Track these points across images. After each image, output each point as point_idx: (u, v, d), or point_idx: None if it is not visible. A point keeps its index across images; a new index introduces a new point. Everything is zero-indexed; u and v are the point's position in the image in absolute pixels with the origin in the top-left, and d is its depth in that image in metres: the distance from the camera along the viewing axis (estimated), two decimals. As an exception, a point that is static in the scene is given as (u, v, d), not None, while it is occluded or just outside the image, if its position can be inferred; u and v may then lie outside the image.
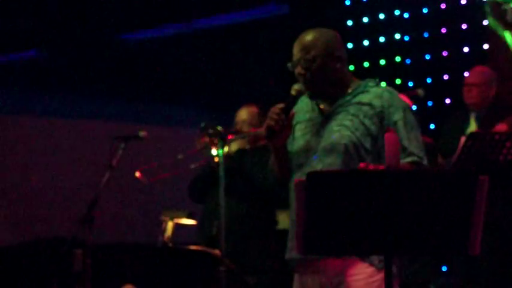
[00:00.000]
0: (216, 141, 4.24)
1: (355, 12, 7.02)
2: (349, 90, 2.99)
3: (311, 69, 2.94)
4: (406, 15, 6.74)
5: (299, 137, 3.02)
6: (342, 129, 2.91)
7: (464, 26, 6.51)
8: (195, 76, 7.91)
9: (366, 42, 6.93)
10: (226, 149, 4.28)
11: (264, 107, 5.46)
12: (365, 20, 6.96)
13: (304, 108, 3.06)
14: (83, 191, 6.34)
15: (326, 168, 2.87)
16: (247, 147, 4.64)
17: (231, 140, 4.38)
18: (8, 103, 7.24)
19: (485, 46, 6.34)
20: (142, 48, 7.83)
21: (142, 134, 4.49)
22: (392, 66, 6.70)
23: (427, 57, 6.62)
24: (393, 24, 6.77)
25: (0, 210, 6.97)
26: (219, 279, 3.74)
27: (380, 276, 2.77)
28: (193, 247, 4.31)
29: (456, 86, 5.46)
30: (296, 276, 3.01)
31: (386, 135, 2.76)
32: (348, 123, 2.91)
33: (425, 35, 6.64)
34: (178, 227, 4.48)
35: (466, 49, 6.50)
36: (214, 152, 4.32)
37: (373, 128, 2.90)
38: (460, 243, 2.42)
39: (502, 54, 6.17)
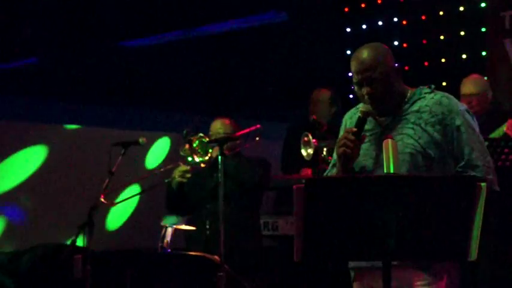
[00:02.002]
0: (198, 148, 4.37)
1: (353, 19, 7.05)
2: (406, 99, 3.00)
3: (375, 87, 2.95)
4: (404, 22, 6.77)
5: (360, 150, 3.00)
6: (405, 137, 2.91)
7: (462, 33, 6.54)
8: (195, 82, 7.93)
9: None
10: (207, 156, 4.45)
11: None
12: (363, 27, 6.99)
13: (355, 119, 3.05)
14: (82, 197, 6.34)
15: None
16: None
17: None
18: (8, 109, 7.25)
19: (483, 53, 6.37)
20: (143, 55, 7.85)
21: (142, 140, 4.51)
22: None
23: (426, 63, 6.65)
24: (392, 31, 6.80)
25: (1, 216, 6.97)
26: (218, 284, 3.75)
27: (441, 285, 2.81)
28: (192, 252, 4.32)
29: (455, 93, 5.47)
30: (357, 285, 3.00)
31: (385, 141, 2.78)
32: (409, 131, 2.92)
33: (424, 42, 6.67)
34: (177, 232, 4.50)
35: (464, 56, 6.53)
36: (197, 159, 4.43)
37: (436, 135, 2.89)
38: (459, 249, 2.43)
39: (499, 61, 6.21)
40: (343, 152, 2.88)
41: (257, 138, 4.68)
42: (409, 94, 3.01)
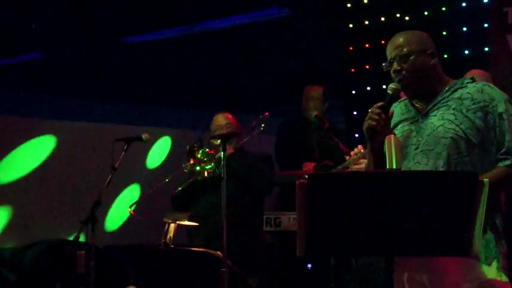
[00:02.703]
0: (203, 157, 4.39)
1: (356, 15, 7.04)
2: (446, 88, 3.02)
3: (407, 65, 2.98)
4: (406, 18, 6.75)
5: (398, 135, 3.02)
6: (446, 123, 2.93)
7: (465, 29, 6.53)
8: (198, 78, 7.94)
9: (366, 45, 6.95)
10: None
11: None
12: (366, 22, 6.98)
13: (399, 111, 3.10)
14: (85, 192, 6.36)
15: (433, 161, 2.89)
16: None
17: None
18: (11, 104, 7.26)
19: (486, 49, 6.36)
20: (145, 51, 7.85)
21: (145, 136, 4.51)
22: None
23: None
24: (394, 27, 6.77)
25: (4, 212, 6.99)
26: (220, 280, 3.75)
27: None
28: (195, 248, 4.33)
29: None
30: (407, 276, 2.96)
31: (387, 137, 2.78)
32: (451, 117, 2.93)
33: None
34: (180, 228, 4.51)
35: (466, 52, 6.52)
36: (205, 167, 4.45)
37: (477, 121, 2.90)
38: (461, 245, 2.43)
39: (502, 56, 6.19)
40: (369, 126, 2.88)
41: (262, 125, 4.68)
42: (450, 83, 3.03)
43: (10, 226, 6.95)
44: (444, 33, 6.59)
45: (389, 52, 3.05)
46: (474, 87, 2.98)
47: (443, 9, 6.62)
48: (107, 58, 7.59)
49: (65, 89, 7.51)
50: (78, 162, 7.29)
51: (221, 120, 4.82)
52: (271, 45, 7.65)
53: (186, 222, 4.45)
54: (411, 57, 2.99)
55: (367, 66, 6.92)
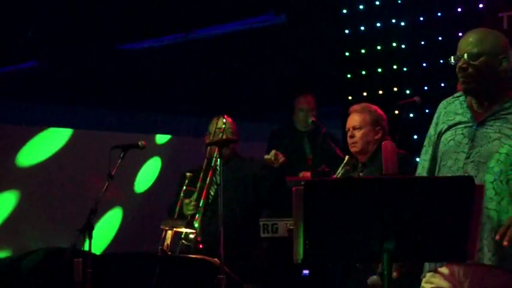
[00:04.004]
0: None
1: (352, 21, 7.05)
2: (507, 99, 2.90)
3: (474, 64, 2.88)
4: (402, 24, 6.77)
5: (449, 138, 2.95)
6: (503, 137, 2.83)
7: (460, 34, 6.54)
8: (195, 85, 7.94)
9: (363, 51, 6.96)
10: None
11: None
12: (362, 28, 6.99)
13: (454, 110, 3.02)
14: (82, 200, 6.36)
15: (483, 175, 2.81)
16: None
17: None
18: (7, 113, 7.26)
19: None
20: (141, 58, 7.85)
21: (141, 143, 4.51)
22: (390, 75, 6.72)
23: (424, 65, 6.64)
24: (390, 32, 6.80)
25: (1, 219, 6.98)
26: (218, 287, 3.75)
27: None
28: (192, 255, 4.33)
29: (453, 94, 5.48)
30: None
31: (384, 143, 2.78)
32: (508, 132, 2.83)
33: (422, 43, 6.67)
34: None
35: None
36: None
37: None
38: (458, 250, 2.43)
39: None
40: None
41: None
42: None
43: (6, 234, 6.94)
44: (440, 38, 6.60)
45: (460, 47, 2.94)
46: None
47: (439, 14, 6.63)
48: (104, 66, 7.59)
49: (61, 97, 7.51)
50: (75, 170, 7.28)
51: (222, 123, 4.80)
52: (267, 52, 7.66)
53: (184, 229, 4.45)
54: (481, 58, 2.88)
55: (363, 73, 6.93)
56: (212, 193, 4.69)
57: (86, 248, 4.03)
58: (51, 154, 7.30)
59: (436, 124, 3.05)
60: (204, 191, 4.54)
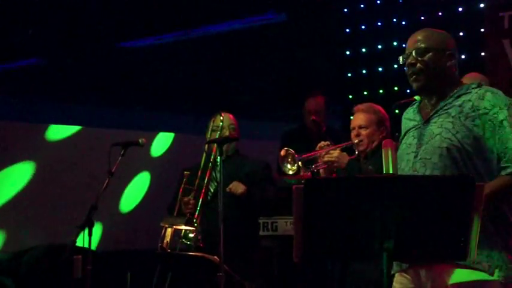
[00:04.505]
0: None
1: (352, 19, 7.06)
2: (452, 93, 2.95)
3: (423, 60, 2.95)
4: (403, 23, 6.77)
5: (403, 143, 3.02)
6: (444, 131, 2.87)
7: (461, 34, 6.55)
8: (195, 83, 7.95)
9: (363, 50, 6.96)
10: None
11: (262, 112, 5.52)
12: (363, 27, 7.00)
13: (409, 117, 3.08)
14: (82, 197, 6.35)
15: (430, 171, 2.84)
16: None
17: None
18: (8, 110, 7.26)
19: (482, 53, 6.37)
20: (142, 56, 7.86)
21: (142, 140, 4.51)
22: (390, 73, 6.73)
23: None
24: (391, 31, 6.81)
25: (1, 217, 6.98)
26: (217, 284, 3.75)
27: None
28: (192, 253, 4.33)
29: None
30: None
31: (384, 141, 2.79)
32: (449, 125, 2.87)
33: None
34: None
35: (463, 56, 6.53)
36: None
37: (475, 129, 2.83)
38: (458, 249, 2.44)
39: (498, 61, 6.21)
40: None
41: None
42: (457, 88, 2.97)
43: (7, 230, 6.95)
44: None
45: (408, 45, 3.02)
46: (476, 94, 2.91)
47: (440, 14, 6.64)
48: (104, 63, 7.59)
49: (62, 94, 7.52)
50: (75, 167, 7.29)
51: (225, 120, 4.80)
52: (268, 50, 7.66)
53: (183, 227, 4.45)
54: (429, 53, 2.95)
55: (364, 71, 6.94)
56: (212, 190, 4.69)
57: (86, 244, 4.03)
58: (51, 151, 7.31)
59: (402, 133, 3.13)
60: (203, 189, 4.54)
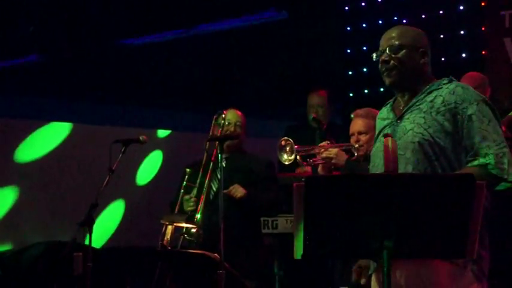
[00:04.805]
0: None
1: (354, 18, 7.06)
2: (425, 89, 2.97)
3: (396, 57, 2.97)
4: (404, 21, 6.77)
5: (377, 141, 3.05)
6: (415, 127, 2.88)
7: (462, 32, 6.55)
8: (195, 80, 7.94)
9: (364, 48, 6.96)
10: None
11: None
12: (364, 25, 7.00)
13: (383, 116, 3.10)
14: (82, 194, 6.36)
15: (403, 167, 2.85)
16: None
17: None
18: (8, 107, 7.26)
19: (483, 52, 6.38)
20: (142, 53, 7.86)
21: (142, 138, 4.51)
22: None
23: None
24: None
25: (1, 213, 6.98)
26: (218, 282, 3.75)
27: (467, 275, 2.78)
28: (192, 250, 4.33)
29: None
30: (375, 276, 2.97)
31: (384, 140, 2.79)
32: (420, 120, 2.89)
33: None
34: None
35: (464, 55, 6.53)
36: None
37: (446, 124, 2.85)
38: (458, 247, 2.44)
39: (499, 60, 6.21)
40: None
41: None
42: (429, 85, 3.00)
43: (7, 228, 6.95)
44: (441, 36, 6.61)
45: (382, 42, 3.05)
46: (447, 89, 2.93)
47: (441, 12, 6.64)
48: (104, 60, 7.59)
49: (62, 91, 7.51)
50: (75, 164, 7.29)
51: (233, 116, 4.79)
52: (269, 48, 7.66)
53: (184, 224, 4.45)
54: (402, 51, 2.97)
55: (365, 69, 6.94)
56: (214, 188, 4.69)
57: (86, 242, 4.03)
58: (51, 148, 7.31)
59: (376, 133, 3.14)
60: (206, 187, 4.54)
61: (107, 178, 4.21)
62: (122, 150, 4.38)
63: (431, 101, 2.92)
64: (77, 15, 7.06)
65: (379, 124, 3.11)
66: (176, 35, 7.73)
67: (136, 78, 7.72)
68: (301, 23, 7.35)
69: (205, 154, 4.64)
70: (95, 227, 4.05)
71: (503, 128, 4.73)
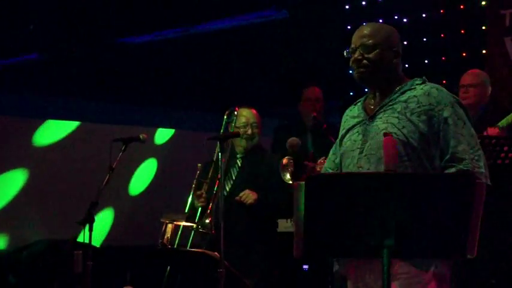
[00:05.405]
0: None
1: (354, 16, 7.06)
2: (397, 88, 2.95)
3: (369, 56, 2.95)
4: (404, 20, 6.78)
5: (346, 140, 3.02)
6: (389, 126, 2.86)
7: (462, 31, 6.55)
8: (196, 79, 7.94)
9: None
10: None
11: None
12: (364, 24, 6.99)
13: (353, 114, 3.07)
14: (83, 193, 6.37)
15: (374, 166, 2.85)
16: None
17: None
18: (8, 105, 7.26)
19: (484, 51, 6.38)
20: (142, 52, 7.85)
21: (142, 136, 4.51)
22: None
23: (426, 61, 6.65)
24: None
25: (1, 213, 6.98)
26: (217, 280, 3.76)
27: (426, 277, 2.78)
28: (192, 249, 4.33)
29: (454, 91, 5.50)
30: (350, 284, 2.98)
31: (384, 139, 2.79)
32: (394, 120, 2.86)
33: (424, 39, 6.68)
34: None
35: (464, 54, 6.54)
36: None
37: (421, 125, 2.83)
38: (458, 246, 2.44)
39: (499, 59, 6.21)
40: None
41: None
42: (402, 84, 2.97)
43: (8, 226, 6.95)
44: (442, 35, 6.61)
45: (355, 40, 3.00)
46: (422, 90, 2.91)
47: (441, 11, 6.64)
48: (104, 59, 7.59)
49: (62, 89, 7.51)
50: (76, 162, 7.29)
51: (250, 116, 4.74)
52: (269, 47, 7.65)
53: (184, 223, 4.45)
54: (375, 50, 2.94)
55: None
56: (227, 188, 4.65)
57: (86, 240, 4.04)
58: (52, 147, 7.31)
59: (341, 130, 3.12)
60: (217, 184, 4.46)
61: (107, 176, 4.22)
62: (122, 148, 4.39)
63: (405, 101, 2.89)
64: (77, 14, 7.05)
65: (348, 121, 3.07)
66: (177, 34, 7.73)
67: (137, 77, 7.72)
68: (302, 22, 7.35)
69: (217, 151, 4.56)
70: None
71: (497, 130, 4.74)
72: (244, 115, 4.74)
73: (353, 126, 3.02)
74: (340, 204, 2.40)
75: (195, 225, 4.41)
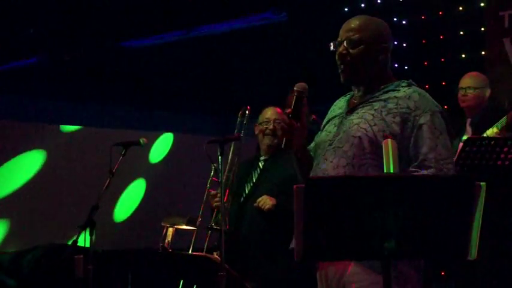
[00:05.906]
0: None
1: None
2: (382, 87, 2.89)
3: (353, 51, 2.87)
4: (404, 22, 6.78)
5: (323, 130, 2.99)
6: (362, 122, 2.82)
7: (461, 33, 6.56)
8: (196, 82, 7.95)
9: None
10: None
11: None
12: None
13: (339, 105, 3.03)
14: (83, 197, 6.37)
15: (338, 159, 2.82)
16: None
17: None
18: (9, 109, 7.27)
19: (483, 53, 6.38)
20: (143, 56, 7.87)
21: (142, 140, 4.52)
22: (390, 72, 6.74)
23: (425, 63, 6.65)
24: (391, 31, 6.81)
25: (2, 216, 6.99)
26: (218, 284, 3.76)
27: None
28: (193, 252, 4.34)
29: (453, 93, 5.50)
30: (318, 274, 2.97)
31: (385, 141, 2.79)
32: (369, 117, 2.82)
33: (423, 41, 6.69)
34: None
35: (463, 56, 6.54)
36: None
37: (393, 125, 2.77)
38: (459, 248, 2.44)
39: (498, 60, 6.21)
40: (282, 137, 2.87)
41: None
42: (388, 83, 2.91)
43: (9, 231, 6.95)
44: (441, 37, 6.61)
45: (341, 33, 2.91)
46: (404, 92, 2.85)
47: (440, 13, 6.64)
48: (105, 63, 7.60)
49: (63, 93, 7.52)
50: (76, 167, 7.30)
51: (273, 114, 4.70)
52: (268, 50, 7.66)
53: (184, 227, 4.46)
54: (360, 46, 2.87)
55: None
56: (246, 191, 4.56)
57: (88, 244, 4.04)
58: (52, 151, 7.32)
59: (325, 120, 3.08)
60: (228, 187, 4.43)
61: (108, 181, 4.23)
62: (123, 152, 4.39)
63: (384, 100, 2.84)
64: (79, 17, 7.06)
65: (333, 112, 3.04)
66: (176, 37, 7.74)
67: (137, 81, 7.73)
68: (301, 24, 7.36)
69: (231, 153, 4.52)
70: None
71: (496, 131, 4.74)
72: (268, 112, 4.70)
73: (333, 118, 3.00)
74: (341, 206, 2.40)
75: (213, 218, 4.34)
